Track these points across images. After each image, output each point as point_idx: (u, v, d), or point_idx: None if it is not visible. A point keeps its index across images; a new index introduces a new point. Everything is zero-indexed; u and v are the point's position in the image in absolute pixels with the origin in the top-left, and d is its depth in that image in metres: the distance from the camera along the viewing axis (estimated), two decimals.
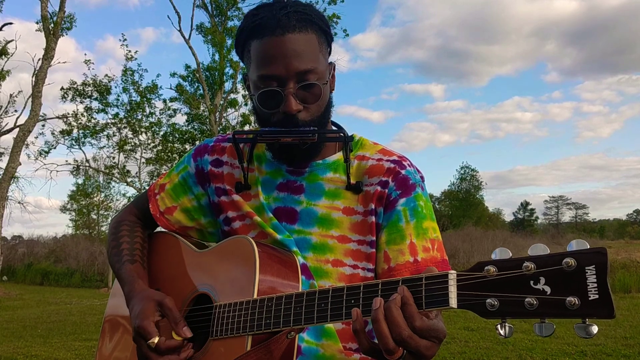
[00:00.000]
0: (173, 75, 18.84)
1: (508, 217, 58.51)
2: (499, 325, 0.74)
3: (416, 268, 1.08)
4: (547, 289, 0.69)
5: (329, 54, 1.18)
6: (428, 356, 0.82)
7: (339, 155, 1.19)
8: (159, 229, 1.34)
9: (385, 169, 1.15)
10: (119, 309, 1.31)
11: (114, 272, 1.25)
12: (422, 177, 1.19)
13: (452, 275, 0.77)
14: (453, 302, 0.76)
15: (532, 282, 0.70)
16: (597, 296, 0.66)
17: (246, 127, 18.53)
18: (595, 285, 0.66)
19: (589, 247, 0.68)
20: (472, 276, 0.75)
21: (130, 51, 19.37)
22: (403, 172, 1.15)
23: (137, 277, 1.17)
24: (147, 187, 1.40)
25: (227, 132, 1.34)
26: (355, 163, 1.17)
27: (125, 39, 21.93)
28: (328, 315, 0.90)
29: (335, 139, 1.15)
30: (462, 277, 0.77)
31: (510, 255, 0.74)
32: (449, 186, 48.99)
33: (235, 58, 18.54)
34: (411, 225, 1.11)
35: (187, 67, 18.71)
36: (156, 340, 1.02)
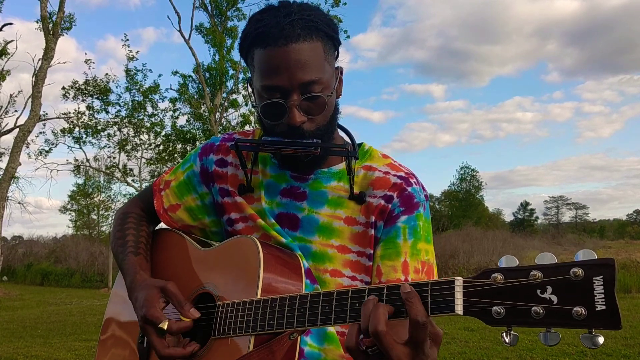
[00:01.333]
0: (175, 73, 18.81)
1: (508, 217, 58.54)
2: (504, 333, 0.74)
3: None
4: (554, 299, 0.69)
5: (336, 58, 1.16)
6: None
7: (344, 165, 1.17)
8: (162, 225, 1.34)
9: (391, 184, 1.14)
10: (119, 308, 1.31)
11: (117, 263, 1.24)
12: (426, 196, 1.18)
13: (459, 281, 0.77)
14: (459, 308, 0.76)
15: (539, 291, 0.70)
16: (604, 307, 0.66)
17: (246, 127, 18.52)
18: (603, 296, 0.66)
19: (596, 257, 0.68)
20: (479, 283, 0.75)
21: (131, 51, 19.39)
22: (409, 189, 1.14)
23: (140, 269, 1.17)
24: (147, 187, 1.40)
25: (233, 132, 1.34)
26: (362, 173, 1.17)
27: (127, 39, 22.06)
28: (332, 318, 0.89)
29: (339, 152, 1.13)
30: (469, 283, 0.76)
31: (517, 263, 0.74)
32: (448, 186, 49.03)
33: (236, 57, 18.55)
34: (408, 244, 1.11)
35: (197, 66, 18.58)
36: (166, 324, 1.02)
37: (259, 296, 1.00)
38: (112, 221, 1.40)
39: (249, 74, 1.18)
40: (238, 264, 1.08)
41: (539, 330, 0.71)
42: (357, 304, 0.87)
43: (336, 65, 1.15)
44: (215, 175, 1.24)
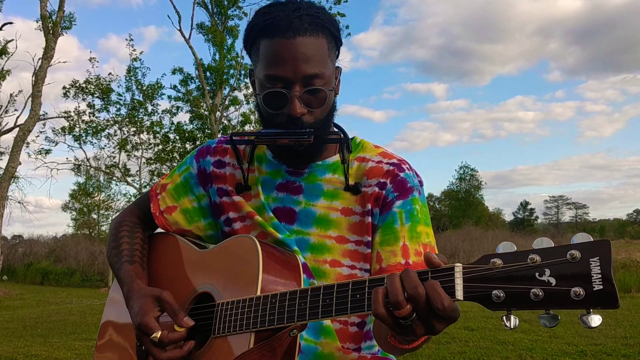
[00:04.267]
0: (174, 72, 18.75)
1: (509, 217, 58.54)
2: (504, 317, 0.75)
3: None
4: (552, 281, 0.70)
5: (337, 58, 1.18)
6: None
7: (338, 157, 1.19)
8: (158, 230, 1.34)
9: (384, 171, 1.16)
10: (116, 309, 1.31)
11: (114, 273, 1.25)
12: (420, 182, 1.20)
13: (458, 267, 0.78)
14: (459, 294, 0.77)
15: (537, 274, 0.71)
16: (601, 286, 0.67)
17: (246, 127, 18.53)
18: (600, 276, 0.67)
19: (592, 240, 0.69)
20: (478, 268, 0.76)
21: (135, 50, 19.38)
22: (402, 174, 1.16)
23: (136, 277, 1.18)
24: (147, 187, 1.41)
25: (228, 133, 1.36)
26: (355, 164, 1.18)
27: (131, 39, 21.72)
28: (333, 310, 0.90)
29: (331, 140, 1.15)
30: (468, 269, 0.77)
31: (515, 248, 0.75)
32: (448, 186, 48.99)
33: (239, 55, 18.55)
34: (405, 228, 1.12)
35: (200, 62, 18.50)
36: (159, 334, 1.03)
37: (258, 293, 1.00)
38: (109, 229, 1.41)
39: (250, 66, 1.20)
40: (237, 264, 1.08)
41: (538, 313, 0.72)
42: (358, 295, 0.88)
43: (336, 65, 1.18)
44: (213, 176, 1.25)
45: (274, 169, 1.21)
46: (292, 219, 1.16)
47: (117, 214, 1.41)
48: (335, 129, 1.23)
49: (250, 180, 1.21)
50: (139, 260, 1.24)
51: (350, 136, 1.22)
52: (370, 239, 1.14)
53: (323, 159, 1.19)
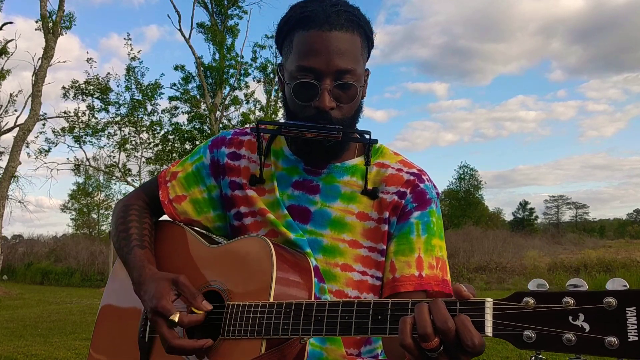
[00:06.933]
0: (176, 68, 18.65)
1: (509, 216, 58.39)
2: (533, 357, 0.74)
3: (419, 283, 1.09)
4: (586, 327, 0.69)
5: (367, 60, 1.18)
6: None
7: (358, 160, 1.19)
8: (164, 217, 1.31)
9: (404, 180, 1.16)
10: (117, 295, 1.28)
11: (120, 257, 1.22)
12: (437, 194, 1.20)
13: (489, 303, 0.77)
14: (489, 330, 0.76)
15: (571, 318, 0.71)
16: (637, 338, 0.66)
17: (246, 126, 18.45)
18: (636, 326, 0.67)
19: (627, 285, 0.69)
20: (510, 306, 0.75)
21: (133, 49, 19.28)
22: (421, 185, 1.16)
23: (148, 263, 1.15)
24: None
25: (246, 126, 1.34)
26: (375, 170, 1.18)
27: (130, 38, 21.23)
28: (352, 329, 0.89)
29: (360, 139, 1.14)
30: (499, 305, 0.77)
31: (548, 287, 0.74)
32: (447, 186, 48.90)
33: (239, 54, 18.52)
34: (422, 240, 1.12)
35: (199, 58, 18.40)
36: (177, 316, 1.00)
37: (271, 299, 0.99)
38: (113, 212, 1.33)
39: (283, 61, 1.18)
40: (249, 266, 1.07)
41: (568, 356, 0.72)
42: (380, 317, 0.86)
43: (366, 67, 1.18)
44: (227, 168, 1.24)
45: (291, 165, 1.20)
46: (306, 219, 1.15)
47: (123, 197, 1.37)
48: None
49: (265, 174, 1.20)
50: (148, 245, 1.21)
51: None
52: (385, 247, 1.14)
53: (342, 160, 1.19)
